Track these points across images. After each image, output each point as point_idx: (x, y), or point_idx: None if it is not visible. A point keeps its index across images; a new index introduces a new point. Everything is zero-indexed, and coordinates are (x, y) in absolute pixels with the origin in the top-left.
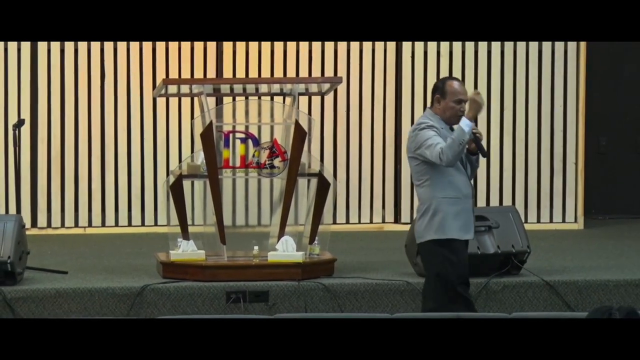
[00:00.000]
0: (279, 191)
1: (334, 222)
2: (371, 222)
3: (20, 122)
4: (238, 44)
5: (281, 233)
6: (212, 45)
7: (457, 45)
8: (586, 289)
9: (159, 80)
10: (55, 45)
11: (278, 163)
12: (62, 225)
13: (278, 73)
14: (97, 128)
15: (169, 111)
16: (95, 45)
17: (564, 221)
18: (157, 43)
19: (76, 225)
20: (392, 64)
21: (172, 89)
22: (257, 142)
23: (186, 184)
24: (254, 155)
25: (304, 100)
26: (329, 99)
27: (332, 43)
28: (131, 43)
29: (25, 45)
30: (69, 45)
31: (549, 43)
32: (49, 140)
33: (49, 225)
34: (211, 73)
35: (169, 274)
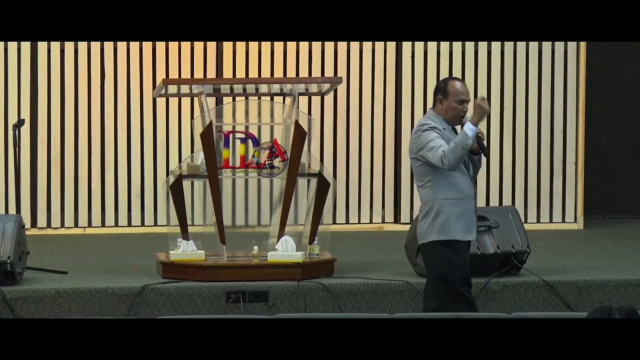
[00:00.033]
0: (279, 191)
1: (334, 222)
2: (371, 222)
3: (20, 122)
4: (238, 44)
5: (281, 233)
6: (212, 45)
7: (457, 45)
8: (586, 289)
9: (159, 80)
10: (55, 45)
11: (278, 163)
12: (62, 225)
13: (278, 73)
14: (97, 128)
15: (169, 111)
16: (95, 45)
17: (563, 221)
18: (157, 43)
19: (76, 225)
20: (392, 64)
21: (172, 89)
22: (257, 142)
23: (186, 184)
24: (253, 155)
25: (303, 100)
26: (328, 99)
27: (332, 43)
28: (131, 43)
29: (25, 45)
30: (69, 45)
31: (549, 43)
32: (48, 140)
33: (48, 225)
34: (211, 73)
35: (169, 274)
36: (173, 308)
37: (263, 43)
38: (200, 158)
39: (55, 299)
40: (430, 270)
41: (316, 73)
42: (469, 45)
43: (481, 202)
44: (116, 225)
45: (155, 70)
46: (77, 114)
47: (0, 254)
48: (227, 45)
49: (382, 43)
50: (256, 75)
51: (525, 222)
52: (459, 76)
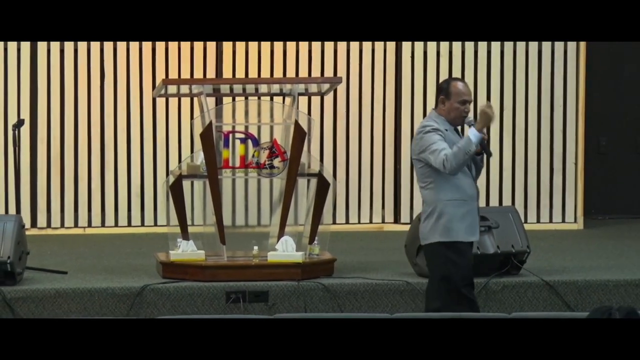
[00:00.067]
0: (279, 191)
1: (334, 222)
2: (371, 222)
3: (20, 122)
4: (238, 44)
5: (281, 233)
6: (211, 45)
7: (457, 45)
8: (586, 289)
9: (158, 80)
10: (55, 45)
11: (278, 163)
12: (62, 225)
13: (278, 73)
14: (96, 128)
15: (168, 111)
16: (95, 45)
17: (563, 221)
18: (157, 43)
19: (76, 225)
20: (392, 64)
21: (172, 89)
22: (256, 142)
23: (186, 184)
24: (253, 156)
25: (303, 100)
26: (328, 99)
27: (331, 43)
28: (131, 43)
29: (25, 45)
30: (69, 45)
31: (549, 43)
32: (48, 140)
33: (48, 225)
34: (211, 73)
35: (169, 274)
36: (173, 308)
37: (263, 43)
38: (200, 158)
39: (55, 299)
40: (433, 271)
41: (316, 73)
42: (469, 45)
43: (481, 202)
44: (116, 225)
45: (155, 70)
46: (77, 114)
47: (0, 254)
48: (227, 46)
49: (382, 43)
50: (256, 76)
51: (525, 222)
52: (459, 76)
